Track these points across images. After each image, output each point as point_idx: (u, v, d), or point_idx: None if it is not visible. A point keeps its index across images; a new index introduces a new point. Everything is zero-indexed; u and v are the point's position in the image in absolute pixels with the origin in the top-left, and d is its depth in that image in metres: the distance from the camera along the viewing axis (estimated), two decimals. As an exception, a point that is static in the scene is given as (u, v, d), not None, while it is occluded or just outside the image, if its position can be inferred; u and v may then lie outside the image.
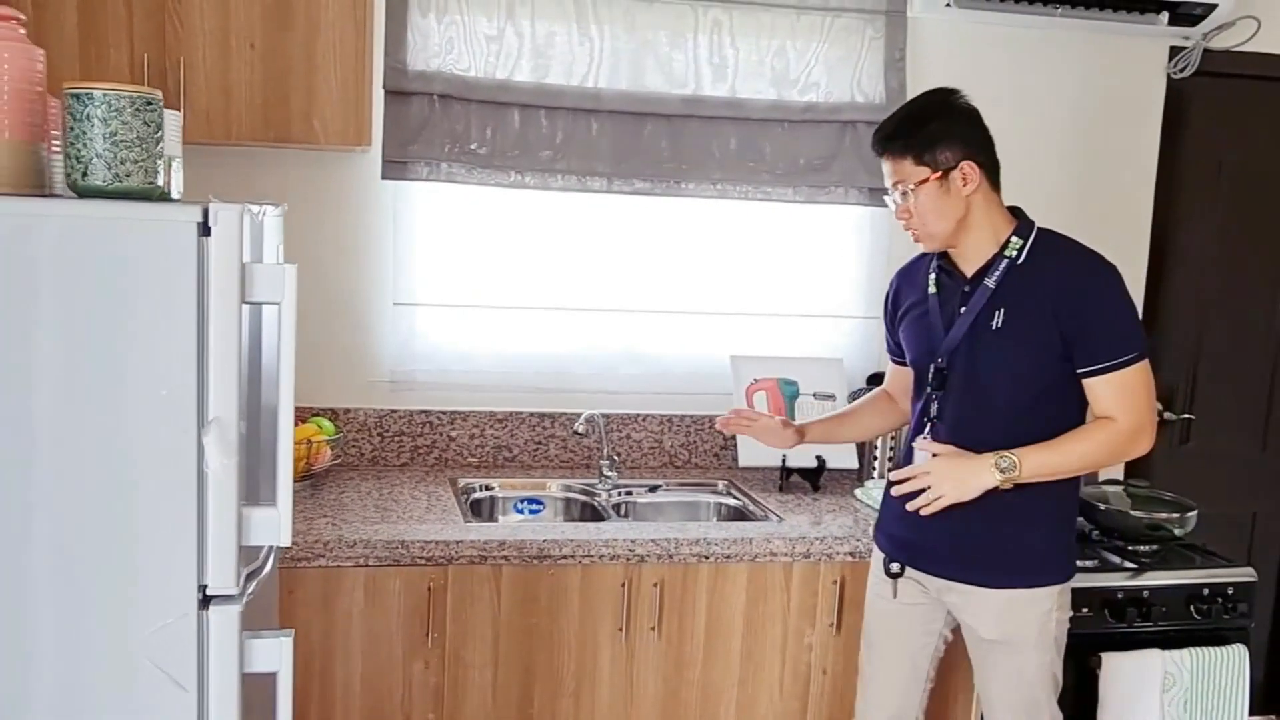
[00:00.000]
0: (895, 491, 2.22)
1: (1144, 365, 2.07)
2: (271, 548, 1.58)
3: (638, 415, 3.13)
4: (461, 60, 2.86)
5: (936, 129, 2.10)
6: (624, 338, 3.11)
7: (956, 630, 2.32)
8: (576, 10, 2.91)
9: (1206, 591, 2.67)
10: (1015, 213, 2.19)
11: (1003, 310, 2.11)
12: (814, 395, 3.08)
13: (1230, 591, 2.68)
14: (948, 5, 3.02)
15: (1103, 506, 2.80)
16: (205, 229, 1.30)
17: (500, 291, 3.03)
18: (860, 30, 3.05)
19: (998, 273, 2.12)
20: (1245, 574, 2.72)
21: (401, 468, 3.01)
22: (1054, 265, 2.11)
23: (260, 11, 2.51)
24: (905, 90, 3.08)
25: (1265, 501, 3.63)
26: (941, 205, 2.10)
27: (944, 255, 2.20)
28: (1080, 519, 2.84)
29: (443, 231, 2.98)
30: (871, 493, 2.86)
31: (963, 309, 2.15)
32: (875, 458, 3.06)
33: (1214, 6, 3.08)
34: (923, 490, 2.14)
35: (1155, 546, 2.76)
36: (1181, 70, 3.30)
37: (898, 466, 2.30)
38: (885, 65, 3.07)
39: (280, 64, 2.53)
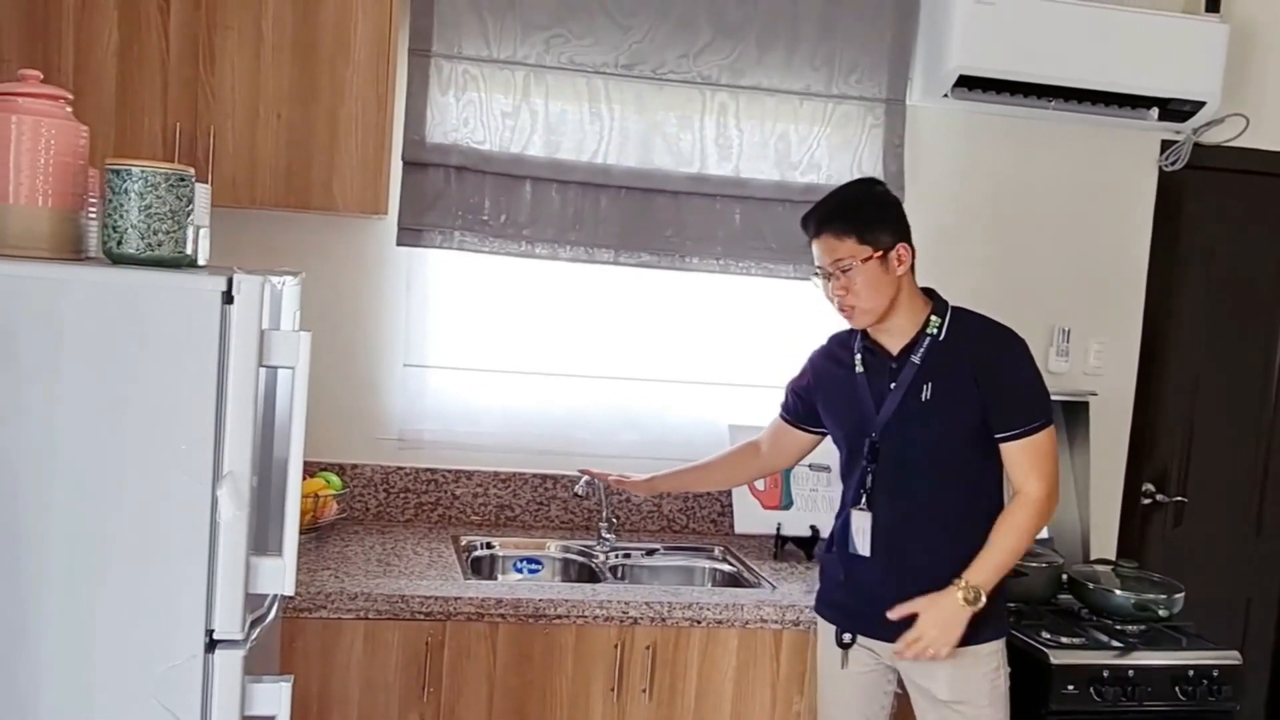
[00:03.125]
0: (903, 660, 2.30)
1: (1051, 430, 2.27)
2: (276, 596, 1.66)
3: (637, 480, 3.21)
4: (478, 134, 2.99)
5: (875, 213, 2.29)
6: (625, 404, 3.20)
7: (903, 686, 2.41)
8: (589, 91, 3.04)
9: (1192, 673, 2.70)
10: (929, 294, 2.36)
11: (930, 384, 2.27)
12: (809, 467, 3.14)
13: (1216, 674, 2.70)
14: (945, 96, 3.15)
15: (1091, 585, 2.85)
16: (229, 297, 1.41)
17: (507, 356, 3.13)
18: (861, 117, 3.18)
19: (922, 349, 2.29)
20: (1231, 657, 2.75)
21: (405, 524, 3.09)
22: (972, 339, 2.30)
23: (288, 84, 2.64)
24: (903, 174, 3.20)
25: (1258, 586, 3.67)
26: (879, 283, 2.25)
27: (866, 336, 2.36)
28: (1069, 596, 2.91)
29: (454, 297, 3.09)
30: (862, 563, 2.92)
31: (893, 384, 2.30)
32: (867, 529, 3.12)
33: (1202, 104, 3.20)
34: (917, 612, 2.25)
35: (1143, 627, 2.80)
36: (1173, 163, 3.41)
37: (836, 538, 2.44)
38: (884, 150, 3.19)
39: (304, 134, 2.66)
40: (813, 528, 3.05)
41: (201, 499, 1.41)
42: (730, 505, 3.16)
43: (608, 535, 3.02)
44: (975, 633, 2.25)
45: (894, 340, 2.33)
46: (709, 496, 3.24)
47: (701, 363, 3.22)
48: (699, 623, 2.58)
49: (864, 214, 2.28)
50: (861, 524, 2.34)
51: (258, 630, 1.54)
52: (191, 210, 1.52)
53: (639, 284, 3.17)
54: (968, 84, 3.12)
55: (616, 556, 3.01)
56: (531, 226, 3.03)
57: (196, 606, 1.42)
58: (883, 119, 3.18)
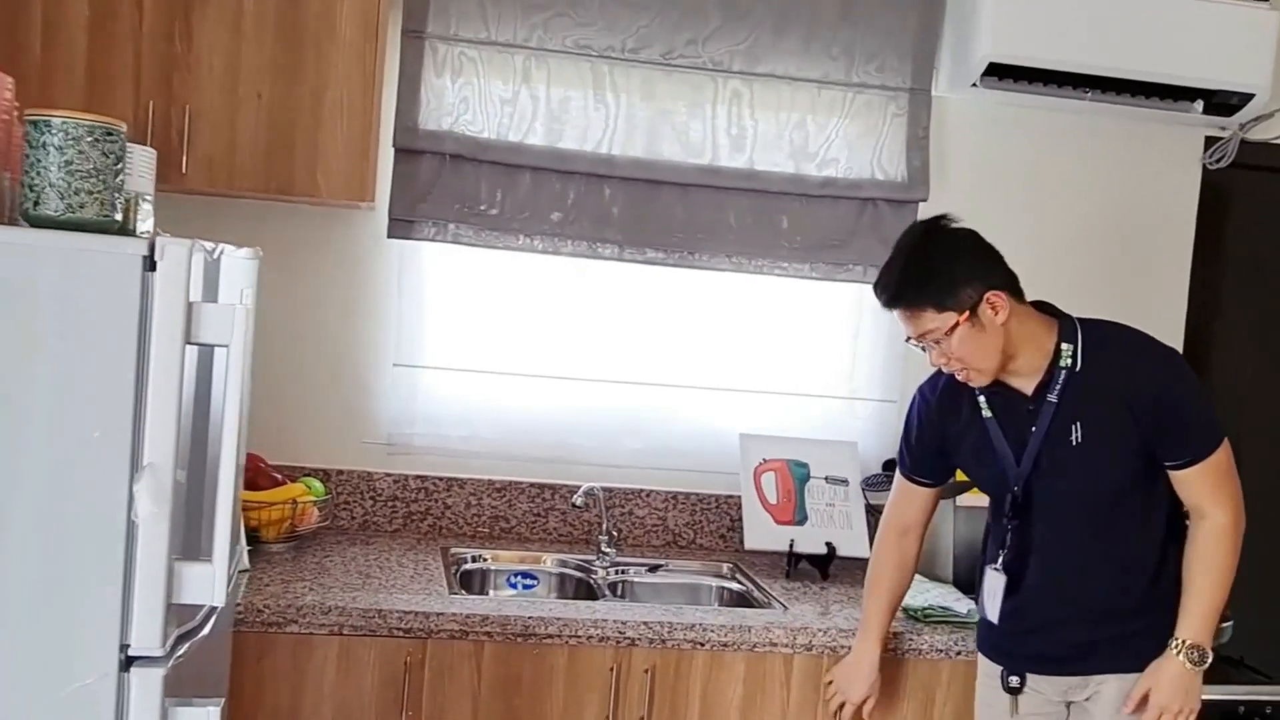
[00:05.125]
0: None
1: (1226, 445, 2.01)
2: (212, 609, 1.47)
3: (641, 491, 3.02)
4: (474, 121, 2.82)
5: (947, 273, 1.98)
6: (629, 410, 3.01)
7: None
8: (594, 76, 2.87)
9: (1243, 710, 2.54)
10: (1048, 311, 2.08)
11: (1079, 424, 2.00)
12: (826, 479, 2.95)
13: (1269, 711, 2.55)
14: (973, 85, 2.95)
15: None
16: (151, 263, 1.23)
17: (504, 356, 2.95)
18: (883, 107, 2.99)
19: (1058, 385, 2.01)
20: (1280, 693, 2.55)
21: (393, 534, 2.91)
22: (1117, 365, 2.01)
23: (269, 62, 2.49)
24: (928, 169, 3.01)
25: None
26: (980, 343, 1.97)
27: None
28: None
29: (448, 293, 2.92)
30: (881, 584, 2.71)
31: (1033, 429, 2.03)
32: (887, 547, 2.91)
33: (1250, 97, 2.99)
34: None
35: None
36: (1218, 161, 3.20)
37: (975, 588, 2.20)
38: (908, 143, 3.00)
39: (286, 115, 2.50)
40: (829, 545, 2.85)
41: (116, 495, 1.23)
42: (739, 520, 2.96)
43: (608, 550, 2.83)
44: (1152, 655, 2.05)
45: (1023, 381, 2.04)
46: (717, 510, 3.05)
47: (711, 366, 3.03)
48: (703, 645, 2.38)
49: (933, 278, 1.97)
50: (994, 585, 2.11)
51: (185, 647, 1.35)
52: (121, 170, 1.34)
53: (645, 281, 2.99)
54: (998, 73, 2.92)
55: (617, 573, 2.82)
56: (531, 219, 2.86)
57: (109, 618, 1.24)
58: (906, 109, 2.99)
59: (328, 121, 2.52)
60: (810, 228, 2.96)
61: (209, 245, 1.33)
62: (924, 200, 3.00)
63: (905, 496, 2.30)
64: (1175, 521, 2.08)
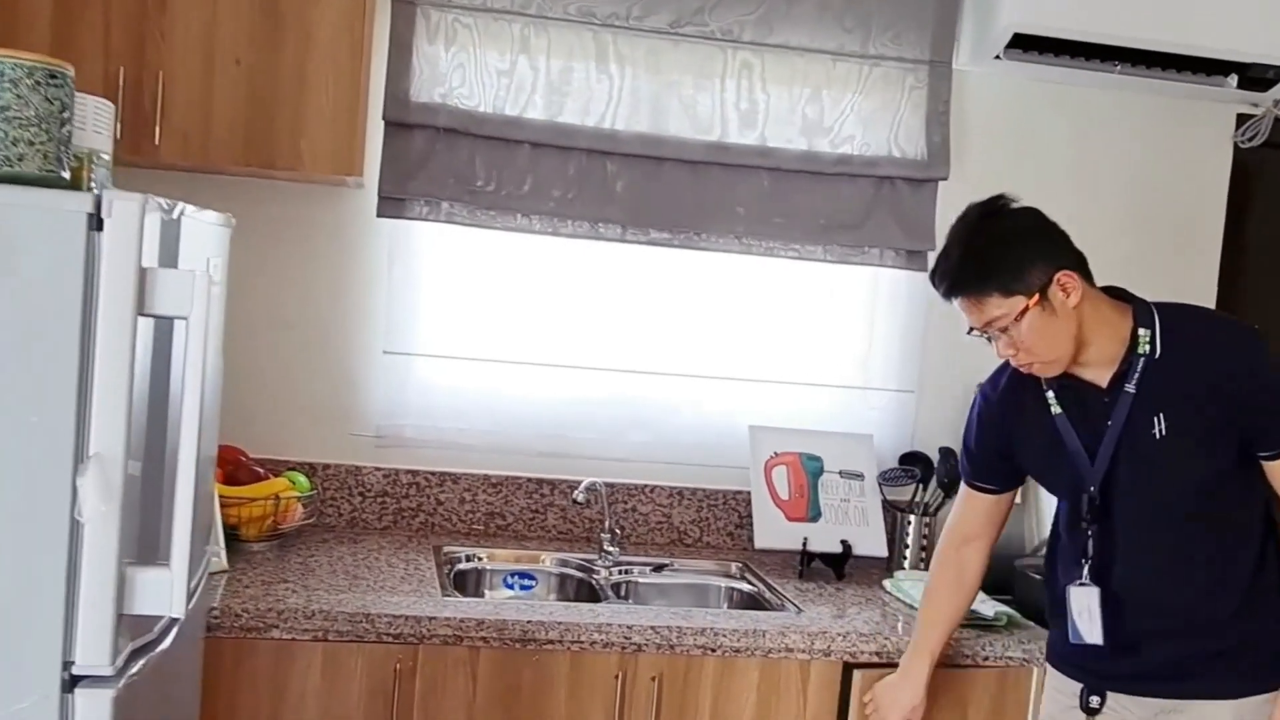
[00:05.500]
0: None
1: None
2: (172, 621, 1.31)
3: (645, 486, 2.86)
4: (469, 93, 2.66)
5: (1011, 255, 1.81)
6: (633, 401, 2.85)
7: None
8: (596, 47, 2.71)
9: None
10: (1119, 296, 1.91)
11: (1161, 415, 1.82)
12: (840, 474, 2.80)
13: None
14: (997, 58, 2.79)
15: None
16: (97, 222, 1.06)
17: (501, 344, 2.79)
18: (900, 80, 2.83)
19: (1136, 374, 1.83)
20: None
21: (382, 532, 2.75)
22: (1199, 349, 1.84)
23: (248, 26, 2.32)
24: (948, 146, 2.85)
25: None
26: (1051, 329, 1.80)
27: None
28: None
29: (441, 276, 2.75)
30: (902, 584, 2.56)
31: (1108, 422, 1.85)
32: (907, 545, 2.76)
33: (1288, 69, 2.84)
34: None
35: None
36: (1250, 139, 3.05)
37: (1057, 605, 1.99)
38: (928, 119, 2.84)
39: (267, 83, 2.34)
40: (844, 543, 2.69)
41: (57, 490, 1.06)
42: (749, 517, 2.80)
43: (610, 548, 2.67)
44: (1268, 675, 1.88)
45: (1097, 372, 1.87)
46: (725, 506, 2.89)
47: (719, 355, 2.87)
48: (713, 650, 2.23)
49: (996, 261, 1.81)
50: (1084, 602, 1.91)
51: (140, 664, 1.18)
52: (68, 120, 1.17)
53: (650, 264, 2.82)
54: (1023, 44, 2.75)
55: (620, 573, 2.66)
56: (529, 198, 2.70)
57: (49, 632, 1.08)
58: (925, 82, 2.83)
59: (312, 90, 2.36)
60: (824, 208, 2.80)
61: (166, 203, 1.17)
62: (944, 179, 2.85)
63: (968, 505, 2.12)
64: (1271, 521, 1.91)
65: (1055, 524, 2.06)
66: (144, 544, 1.18)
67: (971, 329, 1.87)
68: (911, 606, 2.48)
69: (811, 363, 2.91)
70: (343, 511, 2.75)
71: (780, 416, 2.86)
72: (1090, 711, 1.97)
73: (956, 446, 2.82)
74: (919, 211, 2.84)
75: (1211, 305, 3.08)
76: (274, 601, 2.13)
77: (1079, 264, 1.84)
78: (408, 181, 2.64)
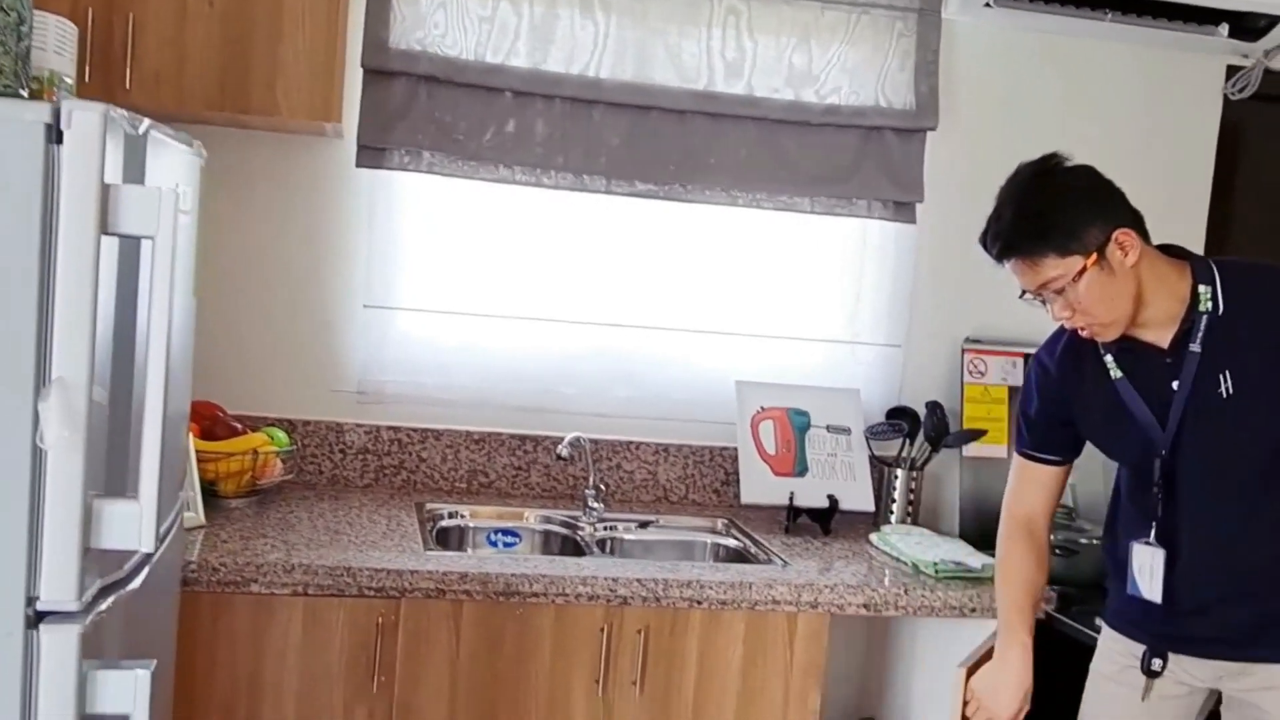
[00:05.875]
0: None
1: None
2: (144, 558, 1.27)
3: (630, 443, 2.82)
4: (450, 40, 2.60)
5: (1067, 210, 1.75)
6: (618, 356, 2.80)
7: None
8: (580, -8, 2.65)
9: None
10: (1178, 253, 1.85)
11: (1228, 373, 1.76)
12: (827, 428, 2.77)
13: None
14: (987, 5, 2.75)
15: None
16: (56, 134, 1.01)
17: (483, 297, 2.74)
18: (889, 28, 2.78)
19: (1199, 333, 1.77)
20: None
21: (364, 489, 2.70)
22: (1265, 302, 1.78)
23: (222, -34, 2.25)
24: (937, 96, 2.81)
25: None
26: (1110, 290, 1.74)
27: None
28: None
29: (422, 228, 2.70)
30: (889, 538, 2.54)
31: (1174, 385, 1.80)
32: (894, 500, 2.74)
33: (1279, 19, 2.80)
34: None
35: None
36: (1240, 91, 3.02)
37: (1119, 563, 1.94)
38: (916, 68, 2.80)
39: (242, 26, 2.28)
40: (831, 498, 2.67)
41: (19, 416, 1.02)
42: (735, 473, 2.77)
43: (595, 505, 2.63)
44: None
45: (1159, 333, 1.81)
46: (711, 462, 2.86)
47: (705, 309, 2.83)
48: (699, 603, 2.20)
49: (1053, 219, 1.74)
50: (1148, 561, 1.86)
51: (109, 601, 1.14)
52: (26, 35, 1.12)
53: (635, 217, 2.78)
54: (1013, -9, 2.72)
55: (605, 529, 2.63)
56: (512, 148, 2.65)
57: (12, 566, 1.03)
58: (914, 31, 2.79)
59: (288, 33, 2.30)
60: (811, 159, 2.76)
61: (130, 117, 1.11)
62: (933, 129, 2.81)
63: (1028, 478, 2.02)
64: None
65: (1116, 488, 2.01)
66: (112, 478, 1.14)
67: (1024, 292, 1.81)
68: (899, 560, 2.46)
69: (799, 317, 2.87)
70: (323, 469, 2.71)
71: (767, 371, 2.83)
72: (1151, 674, 1.91)
73: (944, 401, 2.82)
74: (907, 163, 2.80)
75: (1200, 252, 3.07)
76: (253, 556, 2.09)
77: (1136, 222, 1.77)
78: (387, 131, 2.58)
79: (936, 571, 2.36)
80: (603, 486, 2.74)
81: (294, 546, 2.17)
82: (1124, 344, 1.84)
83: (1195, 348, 1.77)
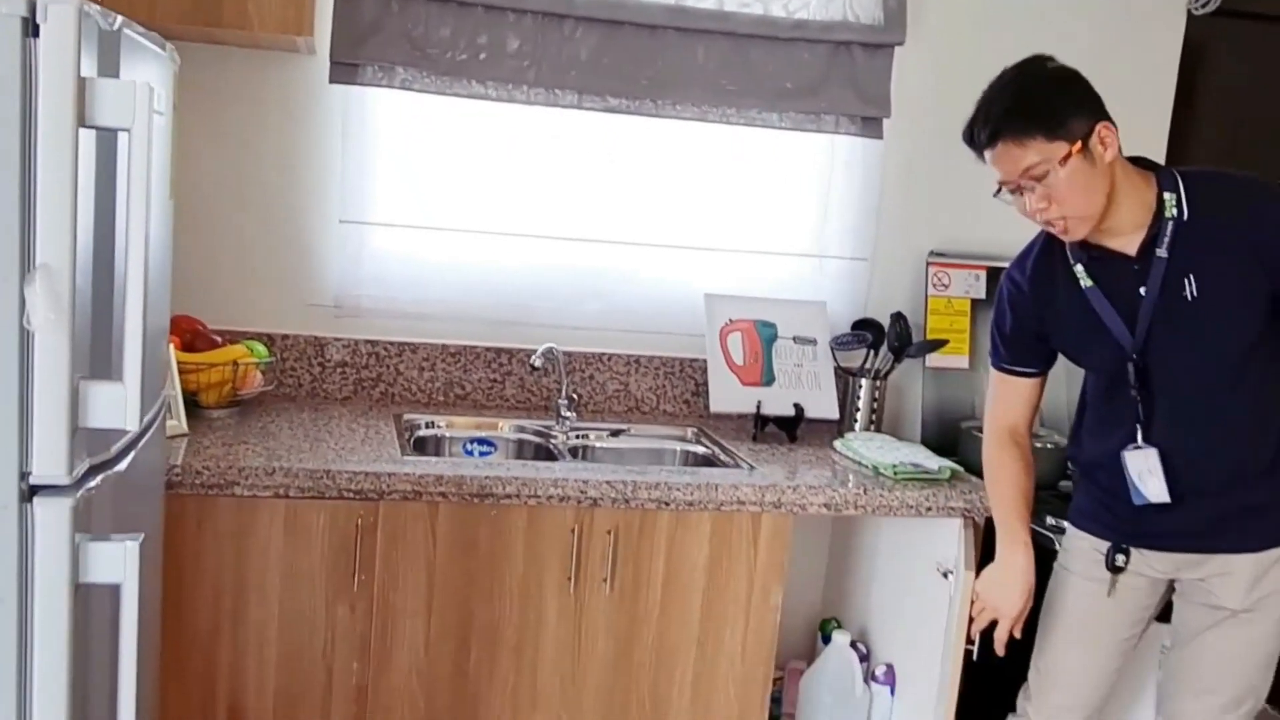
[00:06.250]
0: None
1: None
2: (130, 443, 1.33)
3: (603, 355, 2.89)
4: (421, -47, 2.60)
5: (1058, 96, 1.80)
6: (591, 270, 2.86)
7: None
8: (550, -96, 2.65)
9: None
10: (1145, 164, 1.90)
11: (1192, 277, 1.83)
12: (794, 339, 2.84)
13: None
14: (955, -81, 2.77)
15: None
16: (32, 27, 1.05)
17: (458, 213, 2.78)
18: (857, -58, 2.80)
19: (1166, 238, 1.83)
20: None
21: (343, 401, 2.77)
22: (1226, 208, 1.84)
23: (189, -128, 2.25)
24: (905, 11, 2.83)
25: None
26: (1089, 180, 1.79)
27: (1083, 242, 1.90)
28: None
29: (396, 144, 2.73)
30: (852, 444, 2.63)
31: (1142, 290, 1.86)
32: (858, 409, 2.83)
33: (1244, -67, 2.84)
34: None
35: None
36: (1203, 6, 3.05)
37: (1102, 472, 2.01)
38: (884, -18, 2.82)
39: (210, -65, 2.28)
40: (797, 406, 2.75)
41: (6, 300, 1.07)
42: (705, 385, 2.85)
43: (568, 414, 2.71)
44: None
45: (1125, 237, 1.86)
46: (682, 374, 2.93)
47: (676, 224, 2.88)
48: (667, 504, 2.29)
49: (1044, 102, 1.78)
50: (1144, 464, 1.93)
51: (98, 479, 1.21)
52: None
53: (607, 132, 2.81)
54: (981, -96, 2.74)
55: (577, 437, 2.71)
56: (484, 63, 2.66)
57: (6, 441, 1.10)
58: (882, -56, 2.80)
59: (257, -57, 2.30)
60: (781, 74, 2.79)
61: (104, 13, 1.15)
62: (900, 44, 2.84)
63: (1007, 392, 2.10)
64: None
65: (1083, 397, 2.08)
66: (97, 365, 1.20)
67: (1000, 189, 1.85)
68: (860, 464, 2.55)
69: (768, 232, 2.93)
70: (303, 382, 2.77)
71: (737, 285, 2.89)
72: (1116, 569, 2.01)
73: (909, 313, 2.89)
74: (875, 78, 2.84)
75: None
76: (235, 460, 2.15)
77: (1116, 128, 1.83)
78: (360, 46, 2.60)
79: (895, 473, 2.45)
80: (576, 397, 2.81)
81: (275, 452, 2.23)
82: (1093, 253, 1.90)
83: (1162, 253, 1.84)
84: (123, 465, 1.29)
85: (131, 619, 1.18)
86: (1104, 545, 2.03)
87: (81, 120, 1.08)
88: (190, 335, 2.53)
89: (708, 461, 2.67)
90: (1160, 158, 3.10)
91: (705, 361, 2.82)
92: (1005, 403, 2.10)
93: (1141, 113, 3.08)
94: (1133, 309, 1.88)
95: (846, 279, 2.96)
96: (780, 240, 2.93)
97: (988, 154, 1.83)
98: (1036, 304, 2.01)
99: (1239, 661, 1.97)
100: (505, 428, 2.74)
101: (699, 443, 2.76)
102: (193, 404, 2.44)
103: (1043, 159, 1.77)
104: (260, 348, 2.60)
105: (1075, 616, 2.08)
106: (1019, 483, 2.08)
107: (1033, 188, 1.81)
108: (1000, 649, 2.07)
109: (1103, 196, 1.81)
